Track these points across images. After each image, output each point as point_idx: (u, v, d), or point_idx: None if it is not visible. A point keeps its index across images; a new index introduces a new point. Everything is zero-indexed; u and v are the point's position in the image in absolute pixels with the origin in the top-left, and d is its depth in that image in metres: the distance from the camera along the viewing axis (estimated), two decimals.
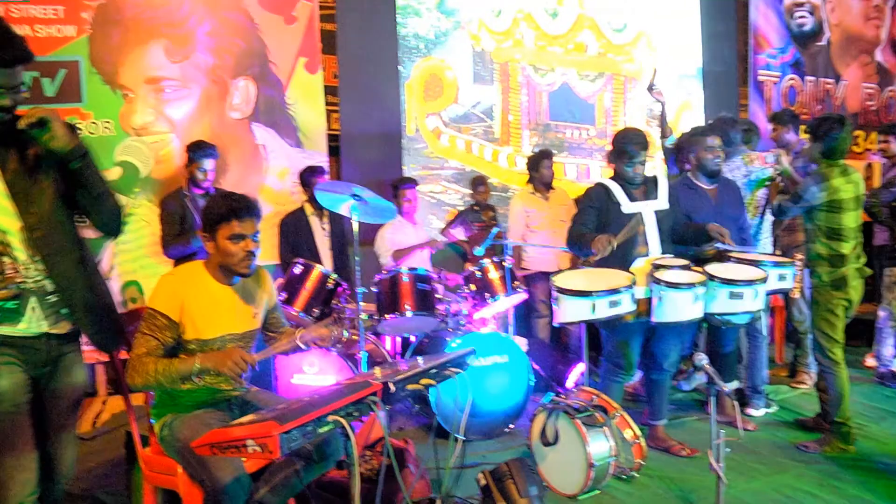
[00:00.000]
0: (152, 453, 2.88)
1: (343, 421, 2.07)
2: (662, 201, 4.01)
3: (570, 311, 3.58)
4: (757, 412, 4.64)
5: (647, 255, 3.87)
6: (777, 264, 3.88)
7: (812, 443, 4.15)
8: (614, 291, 3.53)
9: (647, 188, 4.03)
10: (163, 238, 4.78)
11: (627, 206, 3.93)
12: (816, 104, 8.02)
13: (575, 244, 3.93)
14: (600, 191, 4.01)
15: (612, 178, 4.07)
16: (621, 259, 3.83)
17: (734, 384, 4.56)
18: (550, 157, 5.73)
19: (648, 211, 3.95)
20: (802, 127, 5.29)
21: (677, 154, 4.84)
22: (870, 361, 5.62)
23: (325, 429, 2.08)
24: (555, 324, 3.72)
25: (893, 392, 5.15)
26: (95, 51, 5.21)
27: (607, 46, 7.23)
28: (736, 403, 3.51)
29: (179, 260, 4.69)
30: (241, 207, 2.70)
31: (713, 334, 4.44)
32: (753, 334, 4.62)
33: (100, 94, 5.24)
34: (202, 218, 2.78)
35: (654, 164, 4.93)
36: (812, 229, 4.13)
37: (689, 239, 4.08)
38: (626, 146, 3.93)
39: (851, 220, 4.06)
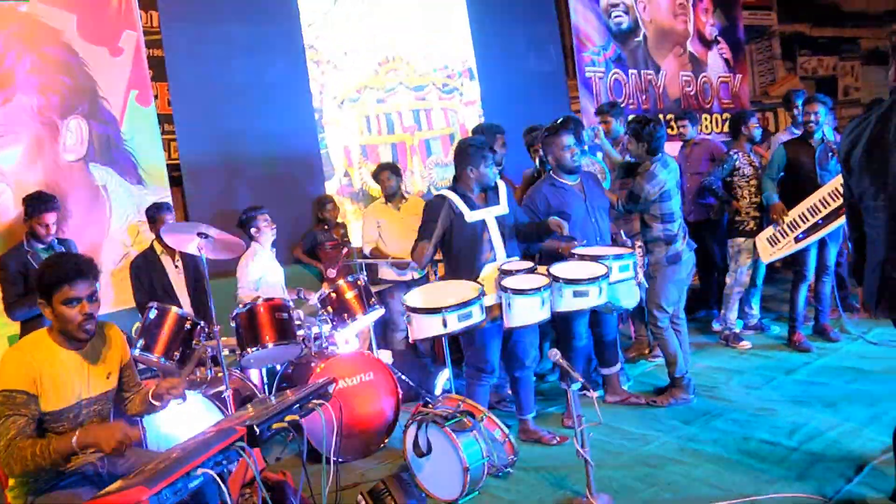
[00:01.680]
0: None
1: (212, 473, 2.08)
2: (503, 206, 4.16)
3: (423, 328, 3.70)
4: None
5: (493, 261, 4.03)
6: (618, 256, 4.12)
7: (659, 397, 4.69)
8: (463, 305, 3.65)
9: (487, 194, 4.16)
10: (4, 300, 4.48)
11: (469, 215, 4.04)
12: (641, 94, 8.58)
13: (419, 258, 4.04)
14: (441, 202, 4.09)
15: (452, 189, 4.17)
16: (469, 267, 3.99)
17: (618, 367, 4.83)
18: (390, 169, 5.84)
19: (490, 217, 4.09)
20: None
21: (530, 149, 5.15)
22: (716, 326, 6.10)
23: (196, 483, 2.08)
24: (410, 341, 3.80)
25: (737, 353, 5.62)
26: None
27: None
28: (595, 391, 3.66)
29: (26, 322, 4.45)
30: (70, 271, 2.61)
31: (597, 322, 4.62)
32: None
33: None
34: (35, 283, 2.68)
35: None
36: (648, 217, 4.65)
37: (532, 235, 4.25)
38: (483, 150, 4.08)
39: (676, 203, 4.65)
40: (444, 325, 3.61)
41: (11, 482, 2.71)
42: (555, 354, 3.54)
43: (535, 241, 4.33)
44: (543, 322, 3.90)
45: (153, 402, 2.81)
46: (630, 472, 3.75)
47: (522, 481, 3.80)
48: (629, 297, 4.39)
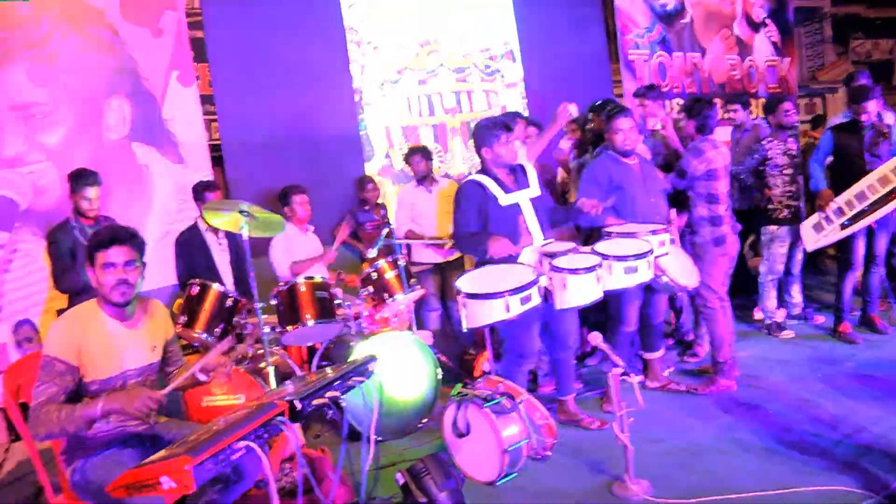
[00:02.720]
0: (65, 500, 2.80)
1: (254, 445, 2.09)
2: (535, 188, 4.11)
3: (482, 314, 3.56)
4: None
5: (531, 245, 3.97)
6: (654, 232, 4.07)
7: (700, 384, 4.63)
8: (524, 287, 3.53)
9: (517, 177, 4.10)
10: (53, 273, 4.58)
11: (504, 199, 3.97)
12: (686, 77, 8.43)
13: (468, 246, 3.98)
14: (475, 187, 4.03)
15: (482, 173, 4.11)
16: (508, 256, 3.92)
17: (661, 352, 4.79)
18: (420, 153, 5.81)
19: (525, 200, 4.03)
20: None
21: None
22: (757, 314, 5.97)
23: (237, 455, 2.09)
24: (464, 329, 3.69)
25: (780, 342, 5.50)
26: None
27: None
28: (636, 375, 3.62)
29: (73, 294, 4.53)
30: (110, 236, 2.69)
31: (646, 303, 4.56)
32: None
33: None
34: (86, 253, 2.74)
35: None
36: (693, 196, 4.60)
37: (560, 220, 4.23)
38: (495, 129, 4.00)
39: (723, 186, 4.60)
40: (507, 309, 3.49)
41: (64, 446, 2.77)
42: (596, 338, 3.49)
43: (564, 222, 4.33)
44: (595, 302, 3.80)
45: (198, 376, 2.83)
46: (669, 459, 3.71)
47: (561, 465, 3.77)
48: (689, 276, 4.32)
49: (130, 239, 2.71)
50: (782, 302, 5.86)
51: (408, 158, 5.87)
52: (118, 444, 2.75)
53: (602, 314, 4.70)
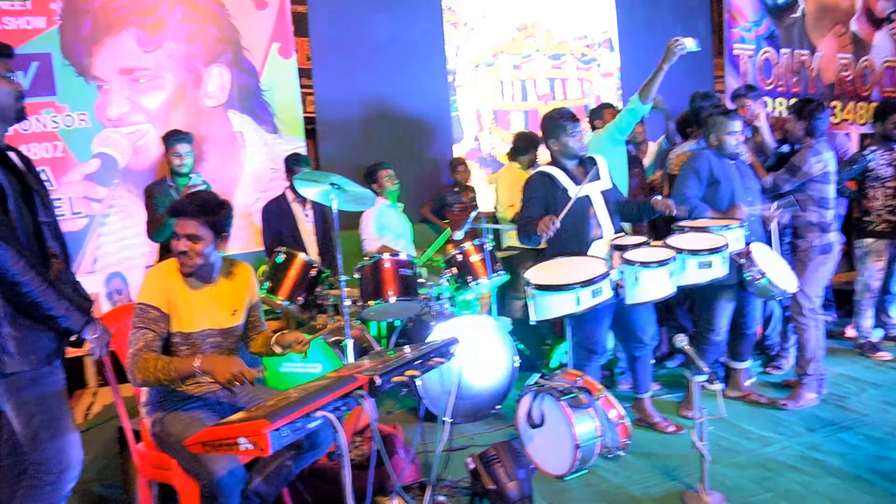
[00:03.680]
0: (145, 448, 2.89)
1: (331, 417, 2.09)
2: (606, 180, 4.02)
3: (552, 307, 3.50)
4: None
5: (601, 238, 3.88)
6: (727, 227, 3.93)
7: (784, 398, 4.43)
8: (595, 280, 3.46)
9: (587, 169, 4.00)
10: (148, 223, 4.76)
11: (574, 190, 3.87)
12: (792, 76, 8.04)
13: (525, 236, 3.90)
14: (544, 179, 3.96)
15: (552, 165, 4.02)
16: (577, 244, 3.84)
17: (748, 363, 4.61)
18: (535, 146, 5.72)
19: (595, 192, 3.94)
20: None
21: (683, 125, 4.97)
22: (850, 332, 5.68)
23: (314, 424, 2.10)
24: (532, 321, 3.63)
25: (873, 364, 5.22)
26: (67, 42, 5.15)
27: None
28: (719, 383, 3.47)
29: (164, 245, 4.70)
30: (178, 207, 2.74)
31: (741, 311, 4.39)
32: None
33: (73, 86, 5.20)
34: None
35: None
36: (804, 199, 4.40)
37: (633, 214, 4.11)
38: (560, 120, 3.92)
39: (832, 190, 4.43)
40: (578, 302, 3.43)
41: (143, 398, 2.86)
42: (681, 340, 3.38)
43: (636, 220, 4.22)
44: (666, 298, 3.70)
45: (274, 347, 2.87)
46: (745, 473, 3.56)
47: (632, 466, 3.69)
48: (788, 281, 4.12)
49: (199, 213, 2.72)
50: (879, 321, 5.56)
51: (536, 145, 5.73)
52: (197, 402, 2.82)
53: (687, 320, 4.58)
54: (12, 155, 2.48)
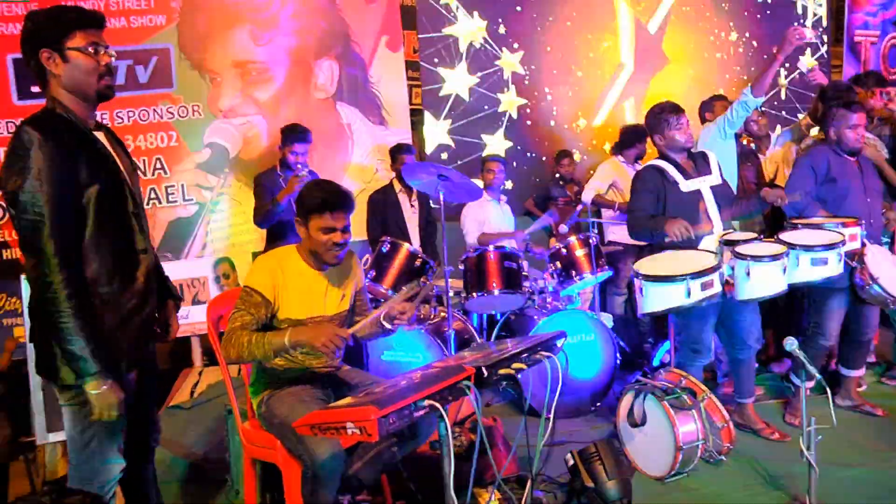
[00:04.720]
0: (251, 427, 2.99)
1: (438, 406, 2.11)
2: (716, 175, 3.91)
3: (661, 298, 3.45)
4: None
5: (711, 233, 3.78)
6: (843, 225, 3.76)
7: None
8: (706, 272, 3.39)
9: (697, 164, 3.92)
10: (255, 211, 4.91)
11: (685, 185, 3.81)
12: None
13: (642, 231, 3.83)
14: (654, 173, 3.89)
15: (661, 159, 3.94)
16: (687, 239, 3.73)
17: (861, 371, 4.41)
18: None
19: (706, 187, 3.85)
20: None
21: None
22: None
23: (420, 413, 2.13)
24: (640, 314, 3.60)
25: None
26: (184, 38, 5.39)
27: None
28: (829, 390, 3.33)
29: (270, 231, 4.87)
30: (335, 202, 2.77)
31: (855, 320, 4.20)
32: None
33: (189, 79, 5.42)
34: (296, 204, 2.86)
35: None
36: None
37: (742, 212, 3.98)
38: (663, 114, 3.85)
39: None
40: (688, 294, 3.37)
41: (252, 377, 2.96)
42: (791, 343, 3.25)
43: (746, 216, 4.11)
44: (778, 295, 3.58)
45: (384, 323, 2.90)
46: (857, 490, 3.37)
47: (734, 472, 3.58)
48: None
49: (351, 204, 2.83)
50: None
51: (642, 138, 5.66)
52: (303, 385, 2.87)
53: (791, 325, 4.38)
54: (100, 136, 2.35)
